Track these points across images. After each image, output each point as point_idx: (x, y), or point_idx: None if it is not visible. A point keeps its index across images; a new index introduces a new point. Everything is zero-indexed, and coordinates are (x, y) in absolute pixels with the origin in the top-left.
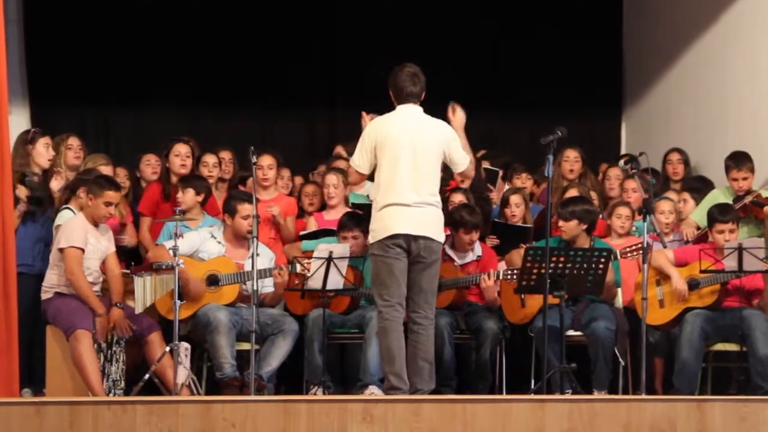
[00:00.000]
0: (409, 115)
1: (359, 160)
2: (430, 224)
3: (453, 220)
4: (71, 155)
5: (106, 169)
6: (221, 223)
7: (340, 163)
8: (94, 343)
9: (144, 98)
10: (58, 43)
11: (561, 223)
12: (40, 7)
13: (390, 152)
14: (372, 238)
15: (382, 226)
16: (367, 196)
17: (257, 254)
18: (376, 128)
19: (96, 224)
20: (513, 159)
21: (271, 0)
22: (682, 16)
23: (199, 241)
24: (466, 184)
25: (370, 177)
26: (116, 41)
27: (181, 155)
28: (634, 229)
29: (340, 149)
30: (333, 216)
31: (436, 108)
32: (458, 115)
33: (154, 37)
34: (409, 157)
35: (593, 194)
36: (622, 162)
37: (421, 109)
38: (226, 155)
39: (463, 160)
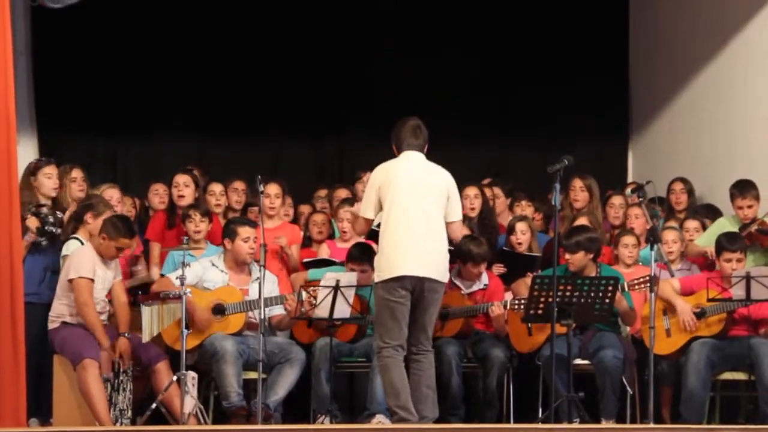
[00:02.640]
0: (413, 160)
1: (365, 207)
2: (437, 265)
3: (461, 253)
4: (75, 188)
5: (113, 192)
6: (221, 252)
7: (342, 193)
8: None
9: (152, 127)
10: (65, 74)
11: (568, 255)
12: (48, 39)
13: (396, 193)
14: (377, 277)
15: (388, 266)
16: (379, 225)
17: (259, 278)
18: (380, 173)
19: (96, 248)
20: (518, 187)
21: (280, 27)
22: (689, 44)
23: (202, 271)
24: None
25: None
26: (123, 71)
27: (179, 186)
28: (639, 258)
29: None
30: (344, 245)
31: (442, 140)
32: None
33: (161, 66)
34: (417, 198)
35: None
36: (629, 190)
37: (423, 156)
38: (239, 185)
39: (457, 212)
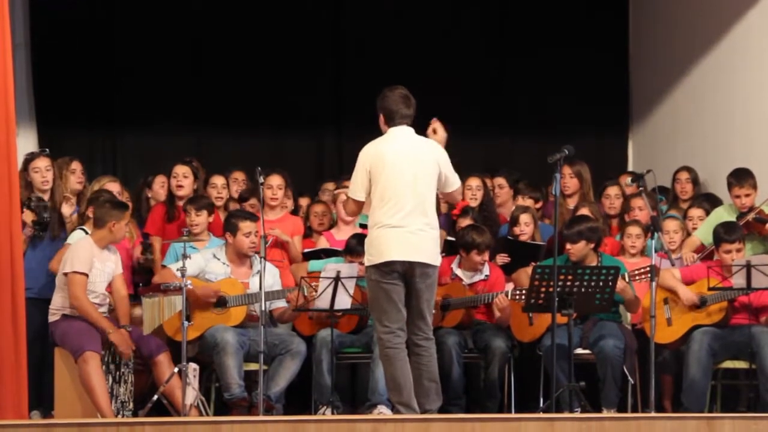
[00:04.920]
0: (402, 137)
1: (355, 188)
2: (427, 249)
3: (464, 242)
4: (74, 180)
5: (113, 185)
6: (222, 244)
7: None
8: (103, 364)
9: (151, 120)
10: (64, 66)
11: (569, 245)
12: (47, 31)
13: (386, 175)
14: (368, 262)
15: (378, 251)
16: None
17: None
18: (369, 153)
19: (103, 246)
20: (520, 178)
21: (280, 21)
22: (688, 33)
23: (204, 263)
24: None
25: None
26: (123, 63)
27: (178, 177)
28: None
29: None
30: (342, 236)
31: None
32: (440, 134)
33: (161, 59)
34: (407, 180)
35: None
36: (628, 180)
37: (412, 130)
38: (239, 176)
39: (455, 181)
